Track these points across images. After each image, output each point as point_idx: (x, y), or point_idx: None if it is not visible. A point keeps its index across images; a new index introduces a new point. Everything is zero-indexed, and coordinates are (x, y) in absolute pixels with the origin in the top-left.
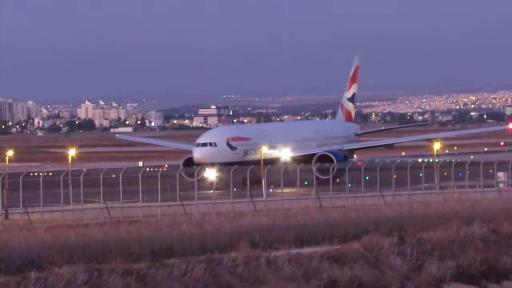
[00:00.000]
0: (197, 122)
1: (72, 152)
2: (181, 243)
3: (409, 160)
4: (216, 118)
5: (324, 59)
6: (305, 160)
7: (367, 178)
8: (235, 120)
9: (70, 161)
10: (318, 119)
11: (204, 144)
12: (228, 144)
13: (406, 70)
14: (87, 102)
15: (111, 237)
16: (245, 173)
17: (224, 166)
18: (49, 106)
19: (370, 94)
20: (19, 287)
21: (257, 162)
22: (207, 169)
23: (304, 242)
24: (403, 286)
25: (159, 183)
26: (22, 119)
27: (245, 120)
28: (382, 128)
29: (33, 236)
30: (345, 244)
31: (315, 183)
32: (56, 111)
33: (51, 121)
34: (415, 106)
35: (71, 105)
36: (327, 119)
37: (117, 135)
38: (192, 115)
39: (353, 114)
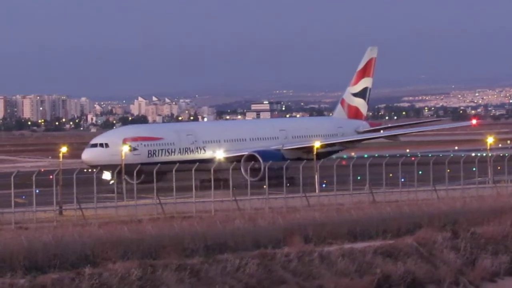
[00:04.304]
0: (249, 117)
1: (125, 148)
2: (234, 238)
3: (462, 155)
4: (268, 114)
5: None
6: (238, 160)
7: (420, 172)
8: (287, 115)
9: (123, 157)
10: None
11: (94, 145)
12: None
13: (459, 64)
14: (140, 98)
15: (165, 233)
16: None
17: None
18: (102, 103)
19: (423, 88)
20: (73, 283)
21: (169, 163)
22: (104, 172)
23: (357, 237)
24: (457, 281)
25: (212, 179)
26: (76, 116)
27: (298, 115)
28: (389, 125)
29: (87, 232)
30: (398, 239)
31: (249, 184)
32: (109, 108)
33: (104, 118)
34: (468, 100)
35: (124, 101)
36: (330, 114)
37: None
38: (245, 110)
39: (363, 110)
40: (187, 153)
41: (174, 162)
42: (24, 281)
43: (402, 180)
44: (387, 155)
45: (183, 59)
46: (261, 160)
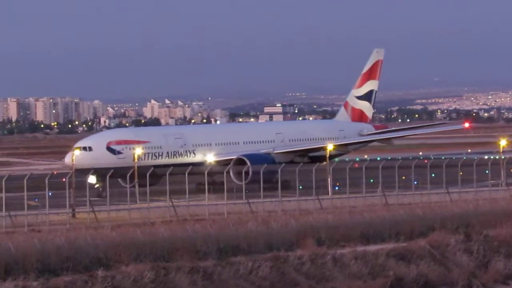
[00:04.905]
0: (262, 120)
1: (138, 151)
2: (247, 241)
3: (475, 157)
4: (281, 116)
5: (391, 55)
6: (228, 164)
7: (433, 175)
8: (300, 118)
9: (136, 160)
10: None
11: (78, 149)
12: (109, 148)
13: (472, 67)
14: (152, 101)
15: (178, 235)
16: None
17: (106, 171)
18: (115, 105)
19: (436, 91)
20: (86, 286)
21: (155, 166)
22: (90, 175)
23: (370, 239)
24: (470, 283)
25: (225, 181)
26: (89, 118)
27: (310, 118)
28: (393, 128)
29: (100, 234)
30: (411, 242)
31: (243, 187)
32: (122, 110)
33: (117, 120)
34: (481, 103)
35: (137, 104)
36: (333, 118)
37: None
38: (258, 113)
39: (368, 113)
40: (176, 157)
41: (161, 166)
42: (37, 283)
43: (415, 182)
44: (399, 157)
45: (196, 62)
46: (249, 164)
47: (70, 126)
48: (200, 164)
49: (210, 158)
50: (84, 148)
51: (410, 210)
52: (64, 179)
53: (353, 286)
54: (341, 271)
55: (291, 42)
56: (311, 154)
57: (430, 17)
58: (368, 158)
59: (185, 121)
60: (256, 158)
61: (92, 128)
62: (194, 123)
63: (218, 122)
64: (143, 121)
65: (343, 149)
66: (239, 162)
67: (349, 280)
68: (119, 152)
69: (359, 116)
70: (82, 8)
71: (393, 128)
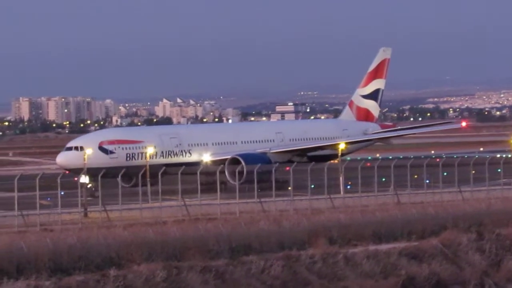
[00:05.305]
0: (274, 119)
1: (150, 150)
2: (259, 240)
3: (487, 156)
4: (293, 115)
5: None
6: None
7: (445, 174)
8: (312, 117)
9: (148, 158)
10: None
11: (69, 149)
12: (102, 148)
13: (484, 65)
14: (164, 100)
15: (189, 234)
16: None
17: (98, 171)
18: (127, 105)
19: (448, 89)
20: (98, 285)
21: (150, 166)
22: (82, 175)
23: (382, 238)
24: (482, 282)
25: (236, 180)
26: (101, 118)
27: (322, 117)
28: (399, 127)
29: (112, 234)
30: (423, 240)
31: (236, 187)
32: (134, 109)
33: (129, 119)
34: (493, 101)
35: (148, 103)
36: (337, 117)
37: None
38: (270, 112)
39: (374, 113)
40: (171, 157)
41: (155, 166)
42: (49, 283)
43: (427, 181)
44: (411, 156)
45: (208, 61)
46: (243, 163)
47: (82, 125)
48: (196, 164)
49: (206, 157)
50: (76, 148)
51: (422, 209)
52: (76, 179)
53: (365, 285)
54: (353, 270)
55: (304, 41)
56: (310, 154)
57: (443, 16)
58: (380, 157)
59: (196, 120)
60: (251, 158)
61: (104, 127)
62: (206, 122)
63: (230, 121)
64: (155, 120)
65: (343, 148)
66: (234, 161)
67: (361, 279)
68: (111, 152)
69: (364, 115)
70: (94, 9)
71: (393, 128)
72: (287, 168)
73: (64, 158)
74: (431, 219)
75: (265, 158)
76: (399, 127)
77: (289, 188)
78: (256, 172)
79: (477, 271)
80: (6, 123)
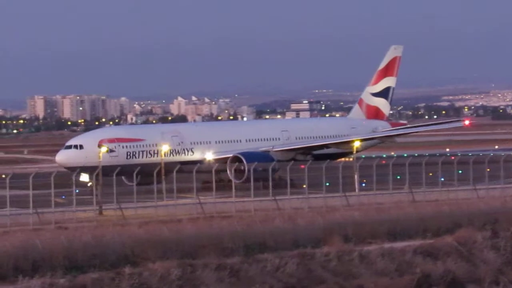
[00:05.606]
0: (289, 117)
1: (165, 148)
2: (274, 238)
3: (503, 154)
4: (308, 113)
5: (418, 52)
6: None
7: (460, 172)
8: (327, 115)
9: (162, 156)
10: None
11: (69, 147)
12: (102, 146)
13: (499, 63)
14: (179, 98)
15: (204, 232)
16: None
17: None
18: (142, 102)
19: (463, 87)
20: (113, 283)
21: (151, 165)
22: (82, 174)
23: (397, 236)
24: (497, 280)
25: (251, 178)
26: (116, 115)
27: (337, 114)
28: (408, 125)
29: (126, 231)
30: (438, 238)
31: (234, 185)
32: (149, 107)
33: (144, 117)
34: (507, 99)
35: (163, 101)
36: (346, 115)
37: None
38: (284, 110)
39: (384, 110)
40: (172, 155)
41: (156, 164)
42: (64, 280)
43: (442, 179)
44: (426, 154)
45: (222, 58)
46: (245, 162)
47: (97, 123)
48: (198, 162)
49: (209, 156)
50: (75, 146)
51: (437, 207)
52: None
53: (379, 283)
54: (368, 268)
55: (318, 39)
56: (315, 152)
57: (457, 14)
58: (394, 155)
59: (211, 118)
60: (253, 156)
61: (119, 125)
62: (221, 120)
63: (244, 119)
64: (169, 118)
65: (347, 146)
66: (236, 160)
67: (376, 277)
68: (111, 150)
69: (374, 113)
70: (107, 6)
71: (401, 127)
72: (302, 166)
73: (63, 156)
74: (446, 217)
75: (267, 156)
76: (408, 125)
77: (304, 186)
78: (258, 171)
79: (492, 269)
80: (21, 121)
